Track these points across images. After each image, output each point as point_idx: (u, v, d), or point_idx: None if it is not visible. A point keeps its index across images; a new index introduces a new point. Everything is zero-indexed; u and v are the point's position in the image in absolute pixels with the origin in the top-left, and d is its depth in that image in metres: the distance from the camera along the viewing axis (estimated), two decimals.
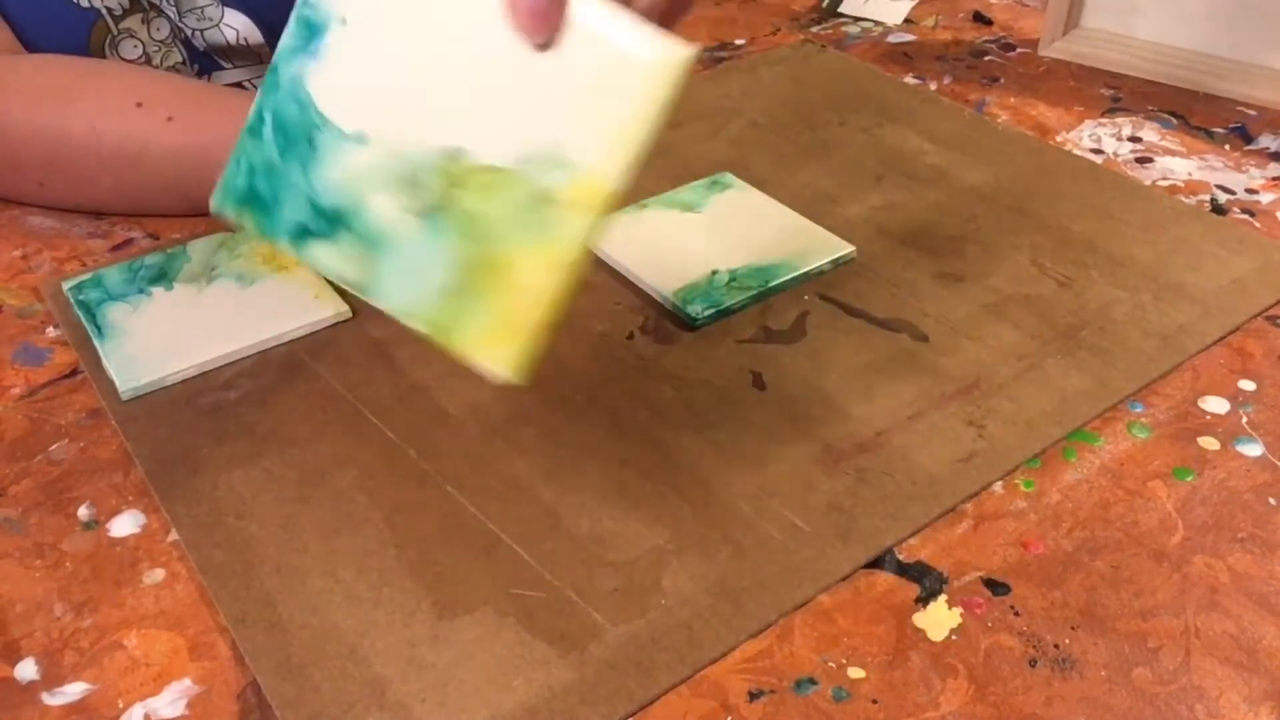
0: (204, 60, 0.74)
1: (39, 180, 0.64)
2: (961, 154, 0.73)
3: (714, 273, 0.60)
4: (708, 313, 0.57)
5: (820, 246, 0.62)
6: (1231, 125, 0.78)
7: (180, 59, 0.73)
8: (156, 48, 0.71)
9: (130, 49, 0.70)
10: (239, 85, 0.77)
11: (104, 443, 0.51)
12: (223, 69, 0.76)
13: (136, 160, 0.62)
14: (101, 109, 0.62)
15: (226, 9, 0.71)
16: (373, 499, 0.48)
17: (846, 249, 0.62)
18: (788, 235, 0.63)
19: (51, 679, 0.41)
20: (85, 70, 0.64)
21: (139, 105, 0.62)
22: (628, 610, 0.43)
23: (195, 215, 0.66)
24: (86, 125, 0.62)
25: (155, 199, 0.65)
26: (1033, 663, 0.41)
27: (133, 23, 0.69)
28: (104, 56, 0.71)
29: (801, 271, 0.61)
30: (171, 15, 0.70)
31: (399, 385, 0.54)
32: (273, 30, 0.74)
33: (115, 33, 0.69)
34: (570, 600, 0.43)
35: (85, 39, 0.68)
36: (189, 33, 0.72)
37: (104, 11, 0.68)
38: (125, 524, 0.47)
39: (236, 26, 0.71)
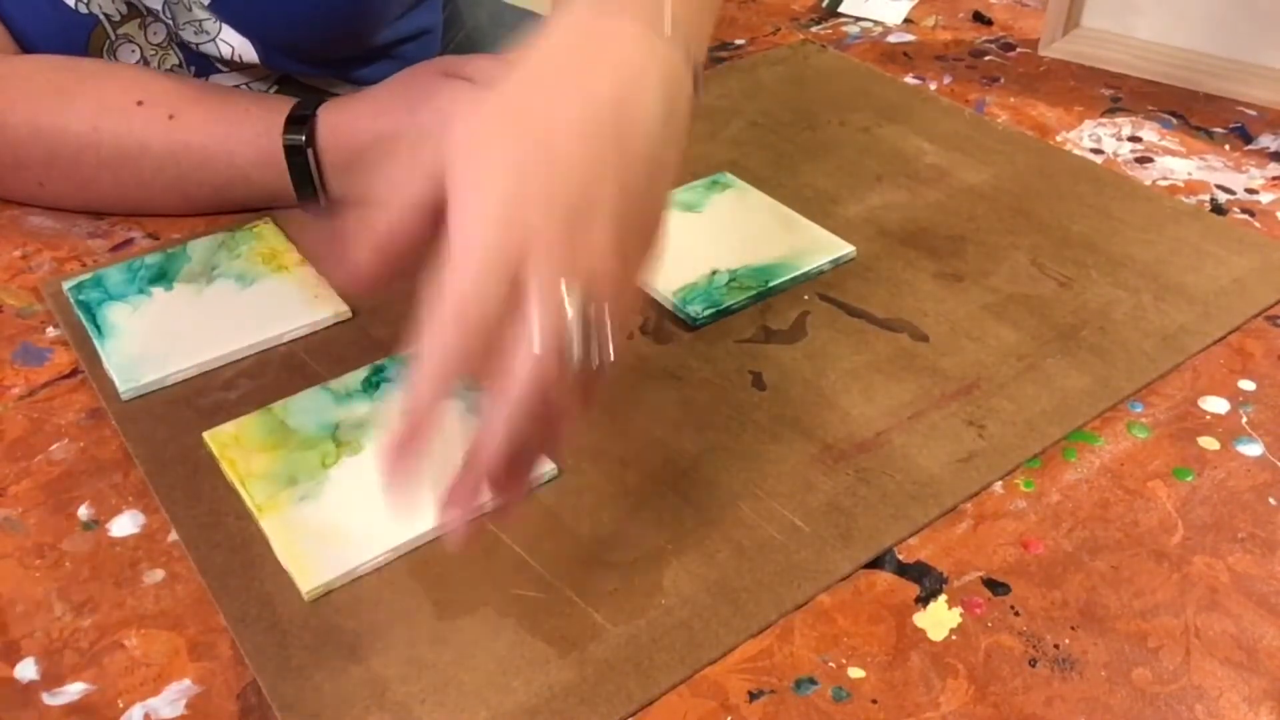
0: (200, 63, 0.74)
1: (39, 180, 0.64)
2: (961, 154, 0.73)
3: (714, 273, 0.60)
4: (707, 313, 0.57)
5: (820, 246, 0.62)
6: (1231, 125, 0.78)
7: (177, 61, 0.72)
8: (154, 51, 0.71)
9: (128, 54, 0.70)
10: (237, 85, 0.77)
11: (104, 443, 0.51)
12: (220, 72, 0.75)
13: (137, 159, 0.62)
14: (102, 107, 0.62)
15: (224, 26, 0.70)
16: None
17: (846, 249, 0.62)
18: (788, 235, 0.63)
19: (51, 679, 0.41)
20: (86, 69, 0.64)
21: (140, 104, 0.62)
22: (628, 610, 0.43)
23: (195, 215, 0.66)
24: (87, 124, 0.62)
25: (155, 199, 0.65)
26: (1033, 663, 0.41)
27: (130, 28, 0.69)
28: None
29: (801, 271, 0.61)
30: (169, 24, 0.70)
31: None
32: (269, 52, 0.72)
33: (114, 38, 0.69)
34: (570, 600, 0.43)
35: (84, 44, 0.68)
36: (186, 42, 0.72)
37: (102, 18, 0.68)
38: (125, 524, 0.47)
39: (233, 44, 0.71)
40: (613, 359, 0.37)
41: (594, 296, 0.36)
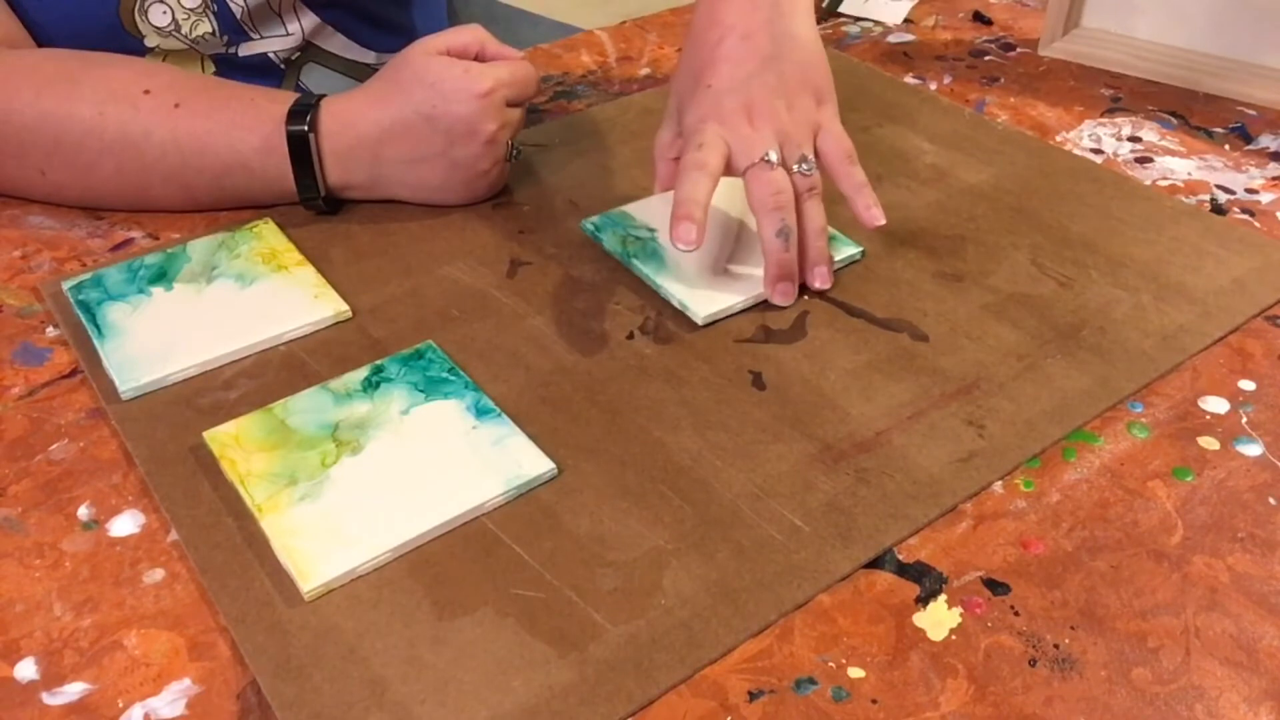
0: (233, 31, 0.75)
1: (41, 167, 0.64)
2: (961, 154, 0.73)
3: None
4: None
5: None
6: (1231, 125, 0.78)
7: (210, 29, 0.74)
8: (185, 15, 0.72)
9: (159, 15, 0.71)
10: (264, 55, 0.78)
11: (104, 443, 0.51)
12: (250, 39, 0.77)
13: (140, 144, 0.63)
14: (110, 93, 0.63)
15: None
16: None
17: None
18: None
19: (51, 679, 0.41)
20: (95, 60, 0.65)
21: (146, 92, 0.63)
22: (628, 610, 0.43)
23: (193, 210, 0.66)
24: (94, 108, 0.62)
25: (155, 188, 0.65)
26: (1033, 663, 0.41)
27: None
28: (133, 22, 0.71)
29: None
30: None
31: None
32: None
33: None
34: (570, 600, 0.43)
35: (116, 2, 0.69)
36: None
37: None
38: (125, 524, 0.47)
39: None
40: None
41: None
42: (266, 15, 0.77)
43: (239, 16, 0.75)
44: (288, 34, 0.79)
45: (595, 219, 0.64)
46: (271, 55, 0.79)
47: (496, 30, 0.66)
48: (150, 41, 0.73)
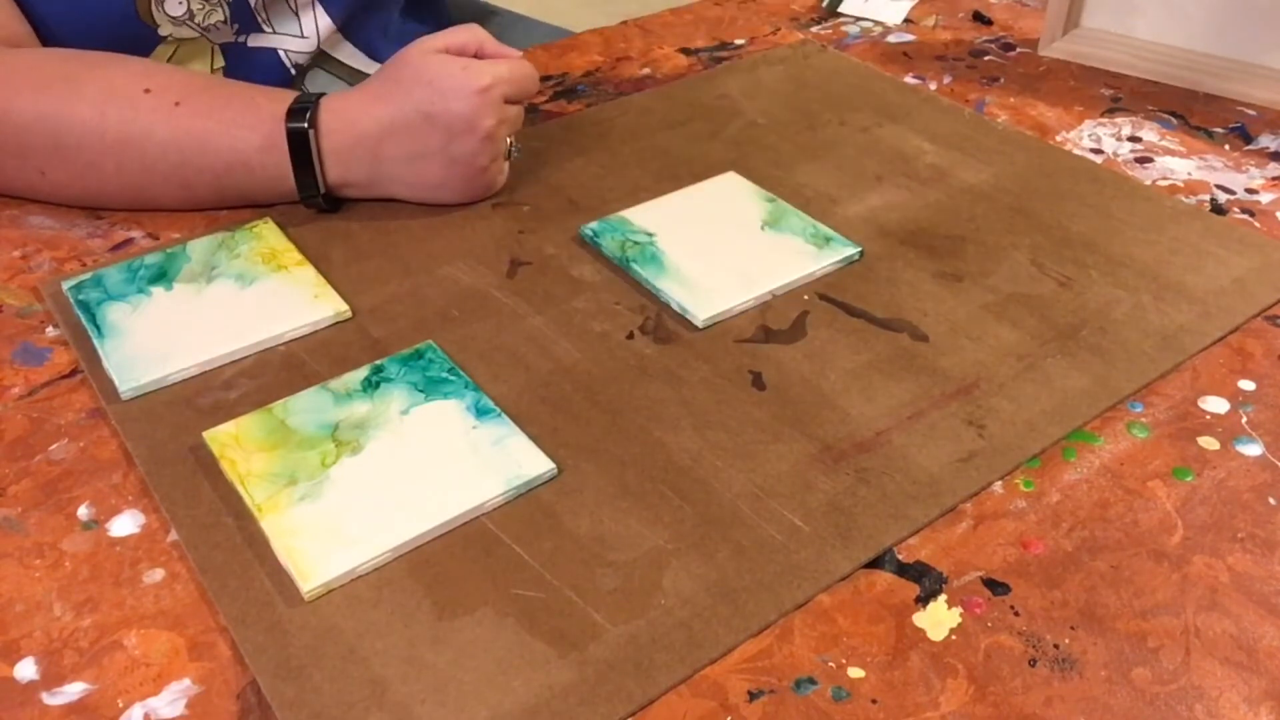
0: (245, 19, 0.76)
1: (41, 168, 0.64)
2: (961, 154, 0.73)
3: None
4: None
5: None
6: (1231, 125, 0.78)
7: (222, 18, 0.74)
8: (200, 4, 0.72)
9: (175, 5, 0.71)
10: (274, 52, 0.78)
11: (104, 442, 0.51)
12: (262, 31, 0.77)
13: (141, 144, 0.63)
14: (110, 93, 0.63)
15: None
16: None
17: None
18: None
19: (51, 679, 0.41)
20: (95, 60, 0.65)
21: (147, 91, 0.63)
22: (628, 610, 0.43)
23: (194, 209, 0.66)
24: (94, 108, 0.62)
25: (156, 187, 0.65)
26: (1033, 663, 0.41)
27: None
28: (149, 12, 0.72)
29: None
30: None
31: None
32: None
33: None
34: (570, 600, 0.43)
35: None
36: None
37: None
38: (125, 524, 0.47)
39: None
40: None
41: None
42: (282, 10, 0.77)
43: (252, 5, 0.75)
44: (303, 35, 0.79)
45: (594, 225, 0.64)
46: (282, 54, 0.79)
47: (496, 36, 0.66)
48: (163, 30, 0.73)
